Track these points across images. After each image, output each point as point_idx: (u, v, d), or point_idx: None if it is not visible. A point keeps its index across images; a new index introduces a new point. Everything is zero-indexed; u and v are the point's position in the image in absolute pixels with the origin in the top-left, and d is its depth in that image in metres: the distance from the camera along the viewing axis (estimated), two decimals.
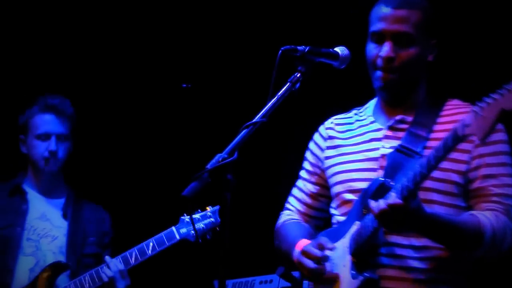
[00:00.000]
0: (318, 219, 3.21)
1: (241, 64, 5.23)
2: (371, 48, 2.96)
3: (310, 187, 3.19)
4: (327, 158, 3.11)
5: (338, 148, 3.09)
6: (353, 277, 2.82)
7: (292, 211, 3.24)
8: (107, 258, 4.07)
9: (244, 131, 2.58)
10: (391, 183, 2.78)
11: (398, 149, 2.90)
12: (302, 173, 3.23)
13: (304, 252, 2.90)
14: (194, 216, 3.99)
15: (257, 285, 4.79)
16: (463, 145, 2.80)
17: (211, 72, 5.33)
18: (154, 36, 5.34)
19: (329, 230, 3.06)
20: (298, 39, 2.97)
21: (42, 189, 4.31)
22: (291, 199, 3.25)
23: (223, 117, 5.03)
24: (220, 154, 2.50)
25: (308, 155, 3.21)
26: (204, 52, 5.29)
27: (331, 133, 3.15)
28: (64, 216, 4.30)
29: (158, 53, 5.36)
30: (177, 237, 4.03)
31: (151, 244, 4.03)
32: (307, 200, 3.20)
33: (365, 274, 2.81)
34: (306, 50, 2.80)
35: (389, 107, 3.03)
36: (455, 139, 2.55)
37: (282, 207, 3.30)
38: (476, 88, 3.65)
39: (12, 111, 4.46)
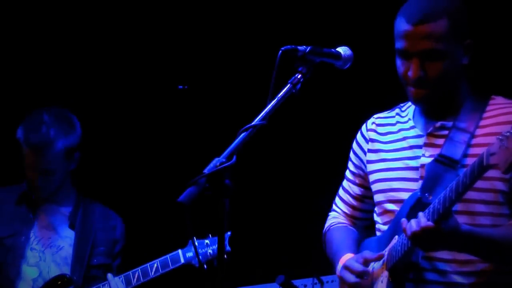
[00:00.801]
0: (365, 220, 3.19)
1: (240, 65, 5.20)
2: (400, 65, 2.87)
3: (355, 189, 3.16)
4: (369, 162, 3.07)
5: (379, 153, 3.03)
6: None
7: (338, 213, 3.22)
8: (109, 276, 4.06)
9: (242, 134, 2.53)
10: (429, 197, 2.73)
11: (436, 159, 2.82)
12: (347, 174, 3.19)
13: (347, 267, 2.87)
14: (202, 241, 4.01)
15: None
16: None
17: (208, 72, 5.30)
18: (150, 37, 5.32)
19: (371, 239, 3.03)
20: (299, 39, 2.90)
21: (52, 198, 4.25)
22: (337, 201, 3.24)
23: (221, 120, 5.01)
24: (218, 158, 2.45)
25: (351, 155, 3.17)
26: (201, 52, 5.27)
27: (373, 135, 3.09)
28: (71, 226, 4.24)
29: (154, 53, 5.34)
30: (182, 260, 4.05)
31: (155, 265, 4.04)
32: (353, 202, 3.18)
33: None
34: (307, 50, 2.74)
35: (430, 110, 2.94)
36: (481, 168, 2.47)
37: (282, 214, 3.25)
38: None
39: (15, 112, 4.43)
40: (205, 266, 4.01)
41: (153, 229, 5.22)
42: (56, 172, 4.15)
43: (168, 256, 4.05)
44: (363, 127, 3.13)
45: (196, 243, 4.02)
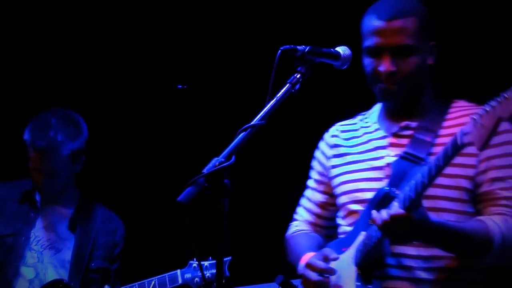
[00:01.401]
0: (329, 228, 3.17)
1: (238, 65, 5.19)
2: (369, 63, 2.91)
3: (319, 197, 3.16)
4: (333, 167, 3.08)
5: (344, 157, 3.05)
6: None
7: (301, 222, 3.21)
8: (106, 287, 4.05)
9: (241, 134, 2.52)
10: (396, 192, 2.72)
11: (402, 156, 2.85)
12: (310, 183, 3.20)
13: (308, 265, 2.86)
14: (203, 262, 4.00)
15: None
16: (470, 149, 2.70)
17: (207, 72, 5.29)
18: (150, 37, 5.31)
19: (336, 241, 3.02)
20: (298, 39, 2.91)
21: (54, 198, 4.23)
22: (299, 210, 3.23)
23: (220, 120, 4.99)
24: (217, 158, 2.45)
25: (314, 164, 3.18)
26: (201, 52, 5.26)
27: (336, 141, 3.11)
28: (71, 228, 4.21)
29: (153, 53, 5.33)
30: (180, 281, 4.03)
31: (153, 282, 4.03)
32: (316, 209, 3.18)
33: (369, 286, 2.75)
34: (306, 50, 2.75)
35: (393, 114, 2.98)
36: (455, 148, 2.49)
37: (282, 214, 3.26)
38: (482, 87, 3.63)
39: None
40: None
41: (154, 247, 5.22)
42: (61, 175, 4.15)
43: (166, 275, 4.04)
44: (326, 135, 3.15)
45: (195, 266, 4.02)
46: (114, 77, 5.36)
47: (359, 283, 2.77)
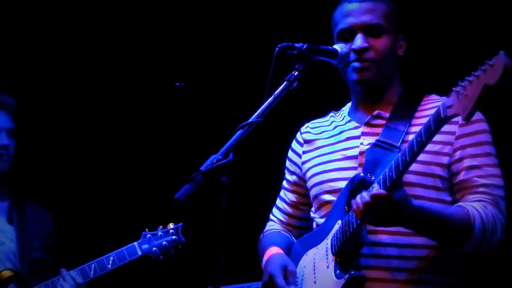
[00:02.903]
0: (301, 228, 3.14)
1: (236, 62, 5.18)
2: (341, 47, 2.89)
3: (290, 196, 3.13)
4: (305, 162, 3.04)
5: (316, 150, 3.01)
6: (338, 276, 2.72)
7: (274, 222, 3.18)
8: (62, 270, 4.00)
9: (239, 131, 2.50)
10: (372, 178, 2.70)
11: (376, 144, 2.82)
12: (283, 183, 3.18)
13: (271, 276, 2.85)
14: (155, 232, 4.01)
15: None
16: (445, 137, 2.76)
17: (205, 70, 5.29)
18: (147, 34, 5.30)
19: (309, 234, 2.99)
20: (296, 36, 2.90)
21: None
22: (274, 210, 3.21)
23: (218, 117, 4.98)
24: (215, 156, 2.42)
25: (287, 164, 3.16)
26: (198, 49, 5.26)
27: (307, 136, 3.08)
28: (9, 220, 4.18)
29: (151, 50, 5.32)
30: (139, 253, 4.01)
31: (111, 258, 3.98)
32: (288, 209, 3.14)
33: (352, 272, 2.69)
34: (304, 47, 2.73)
35: (365, 104, 2.95)
36: (438, 122, 2.45)
37: None
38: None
39: None
40: (161, 257, 4.00)
41: (101, 223, 5.21)
42: (15, 137, 4.17)
43: (124, 248, 4.00)
44: (297, 134, 3.13)
45: (149, 236, 4.00)
46: (112, 75, 5.35)
47: (338, 271, 2.73)
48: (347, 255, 2.74)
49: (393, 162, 2.54)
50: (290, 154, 3.13)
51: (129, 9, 5.22)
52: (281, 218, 3.15)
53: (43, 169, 5.19)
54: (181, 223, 3.97)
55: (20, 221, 4.17)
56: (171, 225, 4.00)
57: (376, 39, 2.85)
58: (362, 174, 2.75)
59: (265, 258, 2.94)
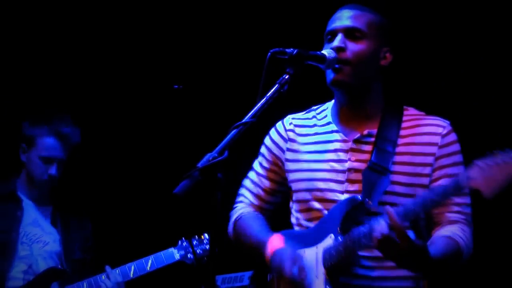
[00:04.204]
0: (269, 211, 3.13)
1: (231, 66, 5.19)
2: (326, 49, 2.89)
3: (266, 183, 3.08)
4: (288, 160, 3.02)
5: (299, 154, 2.99)
6: None
7: (246, 204, 3.12)
8: (107, 268, 4.07)
9: (233, 131, 2.50)
10: (370, 203, 2.74)
11: (370, 167, 2.82)
12: (257, 168, 3.11)
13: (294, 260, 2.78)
14: (191, 241, 4.08)
15: (246, 280, 4.75)
16: (425, 158, 2.81)
17: (202, 73, 5.29)
18: (148, 40, 5.30)
19: (292, 232, 2.97)
20: (288, 41, 2.94)
21: (33, 197, 4.27)
22: (244, 192, 3.14)
23: (214, 117, 4.98)
24: (211, 153, 2.42)
25: (264, 151, 3.10)
26: (196, 55, 5.26)
27: (292, 135, 3.04)
28: (53, 223, 4.25)
29: (152, 56, 5.32)
30: (176, 257, 4.08)
31: (150, 261, 4.06)
32: (262, 194, 3.09)
33: None
34: (294, 52, 2.72)
35: (351, 115, 2.93)
36: (457, 189, 2.53)
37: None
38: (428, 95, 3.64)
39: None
40: (195, 264, 4.08)
41: (141, 229, 5.21)
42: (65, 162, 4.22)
43: (162, 252, 4.07)
44: (280, 126, 3.08)
45: (185, 244, 4.08)
46: (111, 77, 5.34)
47: (328, 286, 2.73)
48: (337, 272, 2.74)
49: (403, 209, 2.57)
50: (270, 144, 3.08)
51: (131, 14, 5.20)
52: (253, 200, 3.10)
53: (84, 177, 5.20)
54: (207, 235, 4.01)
55: (63, 224, 4.24)
56: (206, 235, 4.08)
57: (354, 42, 2.85)
58: (360, 198, 2.76)
59: (268, 250, 2.86)
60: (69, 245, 4.20)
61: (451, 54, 4.67)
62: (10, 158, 4.34)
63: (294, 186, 2.98)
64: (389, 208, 2.55)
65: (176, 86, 5.05)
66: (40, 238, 4.16)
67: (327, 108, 3.03)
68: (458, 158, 2.85)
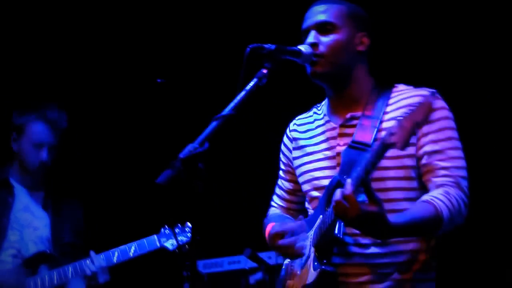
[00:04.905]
0: (300, 212, 3.13)
1: (212, 61, 5.21)
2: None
3: (287, 185, 3.15)
4: (295, 158, 3.06)
5: (303, 149, 3.03)
6: (314, 268, 2.76)
7: (275, 208, 3.21)
8: (92, 253, 4.07)
9: (214, 123, 2.52)
10: (347, 180, 2.67)
11: (350, 145, 2.83)
12: (280, 173, 3.18)
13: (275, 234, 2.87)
14: (174, 229, 4.07)
15: (226, 265, 4.80)
16: None
17: (184, 68, 5.30)
18: (134, 36, 5.31)
19: (299, 223, 2.97)
20: (267, 37, 2.94)
21: (25, 183, 4.26)
22: (274, 198, 3.23)
23: (195, 110, 4.99)
24: (192, 145, 2.44)
25: (281, 156, 3.17)
26: (179, 50, 5.28)
27: (295, 134, 3.09)
28: (44, 208, 4.25)
29: (137, 52, 5.33)
30: (158, 244, 4.09)
31: (133, 247, 4.06)
32: (287, 196, 3.16)
33: (322, 267, 2.73)
34: (272, 48, 2.74)
35: (338, 103, 2.96)
36: (384, 147, 2.49)
37: (249, 196, 3.25)
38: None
39: None
40: (176, 251, 4.07)
41: (126, 216, 5.23)
42: (56, 148, 4.22)
43: (144, 239, 4.07)
44: (287, 130, 3.14)
45: (167, 231, 4.08)
46: (96, 72, 5.35)
47: (316, 263, 2.75)
48: (323, 249, 2.76)
49: (354, 175, 2.53)
50: (283, 147, 3.14)
51: (115, 8, 5.20)
52: (282, 204, 3.18)
53: (74, 164, 5.20)
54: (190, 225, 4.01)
55: (54, 209, 4.23)
56: (188, 224, 4.07)
57: (326, 35, 2.87)
58: (338, 177, 2.77)
59: (267, 236, 2.95)
60: (59, 229, 4.20)
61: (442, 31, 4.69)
62: (2, 149, 4.33)
63: (300, 180, 3.03)
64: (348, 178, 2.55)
65: (160, 80, 5.06)
66: (31, 223, 4.17)
67: (324, 103, 3.06)
68: (443, 123, 2.79)
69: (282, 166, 3.17)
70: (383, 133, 2.64)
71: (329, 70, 2.87)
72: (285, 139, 3.15)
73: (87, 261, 4.03)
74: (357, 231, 2.68)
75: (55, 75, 5.22)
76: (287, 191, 3.16)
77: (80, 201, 4.38)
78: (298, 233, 2.85)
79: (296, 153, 3.06)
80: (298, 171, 3.04)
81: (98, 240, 4.31)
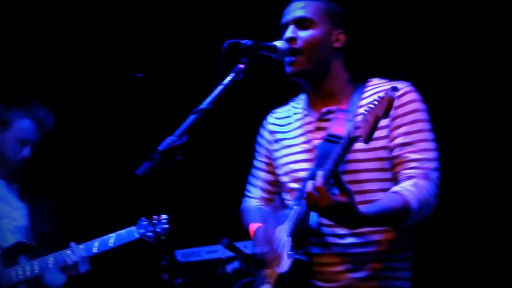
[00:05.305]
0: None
1: (190, 56, 5.22)
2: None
3: (269, 176, 3.15)
4: (275, 151, 3.09)
5: (281, 142, 3.06)
6: (288, 256, 2.79)
7: (254, 199, 3.21)
8: (73, 244, 4.07)
9: (192, 116, 2.55)
10: (318, 172, 2.72)
11: (326, 139, 2.85)
12: (257, 164, 3.20)
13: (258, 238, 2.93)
14: (151, 220, 4.09)
15: (204, 254, 4.83)
16: (384, 122, 2.72)
17: (163, 63, 5.32)
18: (113, 33, 5.31)
19: (280, 213, 3.01)
20: (245, 33, 2.94)
21: (2, 175, 4.25)
22: (250, 188, 3.23)
23: (174, 104, 4.98)
24: (171, 137, 2.47)
25: (259, 148, 3.18)
26: (158, 46, 5.29)
27: (274, 128, 3.11)
28: (21, 198, 4.26)
29: (117, 47, 5.34)
30: (136, 235, 4.11)
31: (112, 238, 4.09)
32: (266, 186, 3.18)
33: (295, 255, 2.77)
34: (249, 44, 2.77)
35: (315, 98, 2.98)
36: (350, 140, 2.54)
37: (225, 187, 3.26)
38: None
39: None
40: (154, 241, 4.09)
41: (106, 209, 5.24)
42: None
43: (124, 230, 4.11)
44: (265, 122, 3.16)
45: (145, 223, 4.11)
46: (77, 67, 5.34)
47: (291, 252, 2.78)
48: (298, 239, 2.78)
49: (325, 167, 2.57)
50: (261, 140, 3.16)
51: (95, 5, 5.20)
52: (264, 195, 3.18)
53: (51, 156, 5.15)
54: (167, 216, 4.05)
55: (30, 200, 4.24)
56: (164, 216, 4.10)
57: (304, 31, 2.89)
58: (314, 169, 2.76)
59: (251, 232, 3.00)
60: (36, 219, 4.21)
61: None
62: None
63: (279, 172, 3.05)
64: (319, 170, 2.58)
65: (139, 75, 5.07)
66: (9, 214, 4.16)
67: (302, 98, 3.08)
68: (417, 116, 2.81)
69: (261, 158, 3.18)
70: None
71: (307, 66, 2.90)
72: (263, 131, 3.17)
73: (68, 252, 4.04)
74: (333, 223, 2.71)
75: (34, 68, 5.21)
76: (268, 182, 3.16)
77: (54, 192, 4.38)
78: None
79: (275, 146, 3.09)
80: (277, 163, 3.06)
81: (79, 231, 4.31)
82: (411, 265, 2.88)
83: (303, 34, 2.90)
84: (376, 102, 2.45)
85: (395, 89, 2.46)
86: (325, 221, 2.75)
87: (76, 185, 5.24)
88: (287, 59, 2.89)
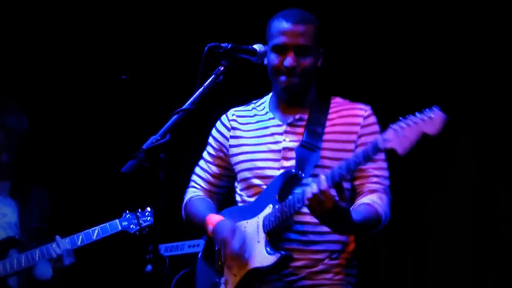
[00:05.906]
0: (220, 195, 3.22)
1: (173, 59, 5.24)
2: (274, 58, 2.96)
3: (214, 169, 3.18)
4: (232, 146, 3.11)
5: (241, 139, 3.09)
6: (269, 253, 2.85)
7: (197, 189, 3.22)
8: (57, 237, 4.07)
9: (174, 116, 2.59)
10: (302, 174, 2.86)
11: (302, 145, 2.94)
12: (206, 156, 3.22)
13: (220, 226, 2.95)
14: (134, 213, 4.14)
15: (186, 248, 4.86)
16: (348, 137, 2.95)
17: (148, 65, 5.32)
18: (98, 36, 5.31)
19: (236, 207, 3.10)
20: (225, 36, 3.01)
21: None
22: (195, 178, 3.24)
23: (157, 104, 5.02)
24: (154, 136, 2.50)
25: (211, 141, 3.20)
26: (142, 48, 5.29)
27: (234, 124, 3.14)
28: (11, 195, 4.24)
29: (102, 51, 5.33)
30: (119, 227, 4.13)
31: (96, 231, 4.10)
32: (211, 179, 3.20)
33: (282, 252, 2.85)
34: (229, 47, 2.82)
35: (285, 105, 3.05)
36: (375, 150, 2.62)
37: None
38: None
39: None
40: (137, 233, 4.13)
41: (91, 204, 5.25)
42: (15, 147, 4.21)
43: (107, 224, 4.12)
44: (224, 118, 3.18)
45: (128, 216, 4.13)
46: (63, 68, 5.33)
47: (269, 248, 2.86)
48: (276, 236, 2.87)
49: (330, 173, 2.67)
50: (216, 134, 3.17)
51: (80, 5, 5.18)
52: (204, 185, 3.20)
53: (41, 153, 5.19)
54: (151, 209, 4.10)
55: (21, 196, 4.22)
56: (148, 209, 4.15)
57: (304, 58, 2.94)
58: (294, 171, 2.89)
59: (210, 226, 2.99)
60: (27, 214, 4.21)
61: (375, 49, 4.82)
62: None
63: (238, 167, 3.08)
64: (322, 174, 2.68)
65: (124, 77, 5.09)
66: (0, 210, 4.20)
67: (265, 101, 3.14)
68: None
69: (210, 151, 3.19)
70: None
71: (300, 87, 2.98)
72: (220, 126, 3.17)
73: (53, 245, 4.05)
74: (301, 220, 2.88)
75: (18, 70, 5.18)
76: (213, 175, 3.18)
77: (46, 188, 4.39)
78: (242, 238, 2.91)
79: (233, 142, 3.11)
80: (235, 159, 3.09)
81: (64, 225, 4.33)
82: (356, 263, 3.05)
83: (303, 61, 2.94)
84: (421, 119, 2.51)
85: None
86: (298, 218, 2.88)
87: (63, 181, 5.23)
88: (283, 78, 2.95)
